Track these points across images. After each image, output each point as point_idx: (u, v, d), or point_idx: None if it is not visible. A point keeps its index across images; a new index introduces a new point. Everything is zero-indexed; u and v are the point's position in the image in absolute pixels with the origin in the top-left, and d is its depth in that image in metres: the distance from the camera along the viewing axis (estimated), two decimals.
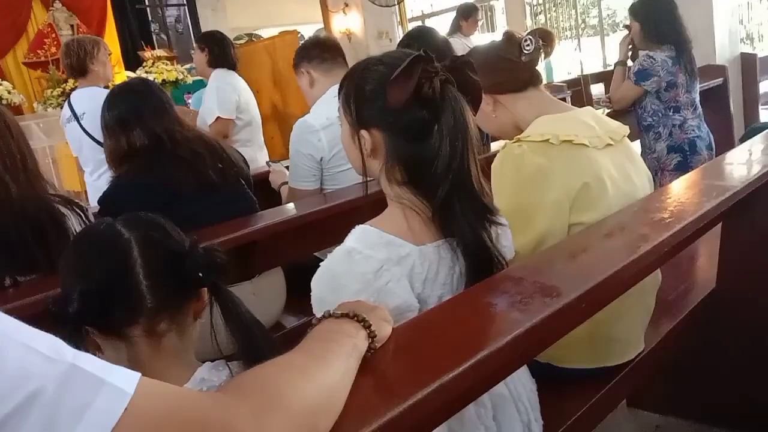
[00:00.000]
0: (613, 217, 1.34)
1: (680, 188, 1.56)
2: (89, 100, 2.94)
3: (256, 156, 3.39)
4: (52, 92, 6.61)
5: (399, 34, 7.86)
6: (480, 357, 0.80)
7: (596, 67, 6.97)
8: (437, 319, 0.96)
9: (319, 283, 1.03)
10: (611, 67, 3.57)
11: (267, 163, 3.01)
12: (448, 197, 1.02)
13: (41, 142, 5.38)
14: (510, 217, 1.17)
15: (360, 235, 1.03)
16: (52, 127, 5.47)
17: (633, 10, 3.19)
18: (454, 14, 5.47)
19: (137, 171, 1.87)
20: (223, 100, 3.30)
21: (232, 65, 3.43)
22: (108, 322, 0.94)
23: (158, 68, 6.74)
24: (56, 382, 0.49)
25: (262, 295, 2.04)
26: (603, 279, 1.03)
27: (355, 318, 0.82)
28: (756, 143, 1.97)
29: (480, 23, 5.68)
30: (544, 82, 1.60)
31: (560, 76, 6.26)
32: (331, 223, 1.75)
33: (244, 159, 2.16)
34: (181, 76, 6.72)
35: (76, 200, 1.72)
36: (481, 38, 6.46)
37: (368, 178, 1.10)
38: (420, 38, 2.49)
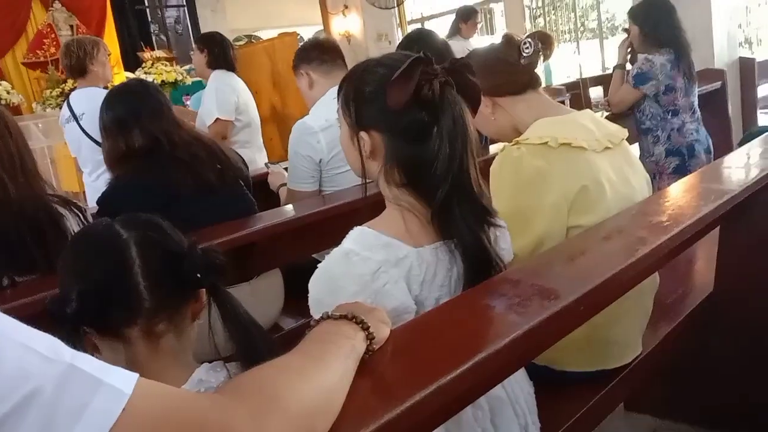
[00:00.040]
0: (612, 220, 1.34)
1: (678, 192, 1.56)
2: (88, 100, 2.94)
3: (255, 157, 3.39)
4: (51, 92, 6.62)
5: (398, 37, 7.87)
6: (478, 359, 0.80)
7: (595, 71, 6.98)
8: (435, 322, 0.96)
9: (316, 284, 1.03)
10: (610, 71, 3.57)
11: (266, 164, 3.01)
12: (448, 199, 1.02)
13: (40, 142, 5.38)
14: (508, 220, 1.17)
15: (357, 237, 1.03)
16: (50, 127, 5.47)
17: (632, 14, 3.20)
18: (453, 17, 5.48)
19: (135, 172, 1.86)
20: (222, 102, 3.30)
21: (231, 66, 3.43)
22: (106, 323, 0.94)
23: (157, 69, 6.74)
24: (54, 383, 0.49)
25: (261, 296, 2.04)
26: (601, 282, 1.03)
27: (354, 320, 0.82)
28: (754, 147, 1.97)
29: (479, 26, 5.69)
30: (543, 85, 1.61)
31: (559, 79, 6.27)
32: (330, 225, 1.75)
33: (243, 160, 2.16)
34: (180, 77, 6.72)
35: (75, 200, 1.72)
36: (480, 41, 6.47)
37: (367, 180, 1.10)
38: (419, 40, 2.49)
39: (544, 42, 1.49)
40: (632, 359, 1.51)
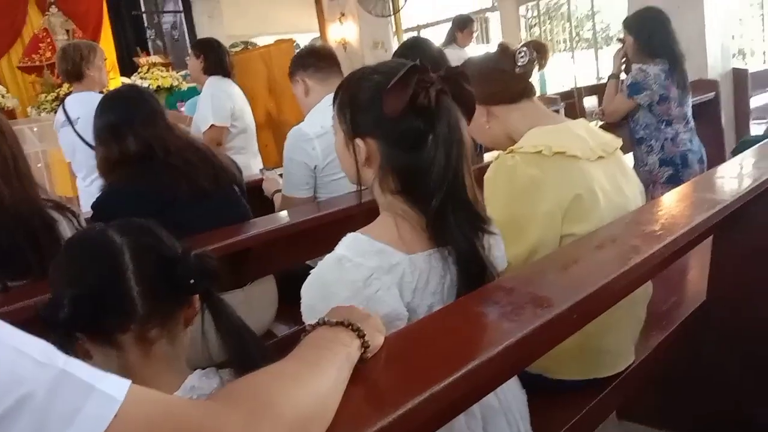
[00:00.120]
0: (605, 229, 1.34)
1: (672, 201, 1.57)
2: (84, 105, 2.93)
3: (250, 163, 3.39)
4: (46, 97, 6.60)
5: (394, 45, 7.88)
6: (471, 367, 0.80)
7: (590, 80, 7.03)
8: (428, 329, 0.95)
9: (309, 290, 1.03)
10: (604, 80, 3.59)
11: (260, 170, 3.01)
12: (443, 207, 1.02)
13: (34, 146, 5.37)
14: (502, 228, 1.17)
15: (350, 243, 1.03)
16: (45, 131, 5.46)
17: (627, 24, 3.22)
18: (449, 25, 5.50)
19: (129, 179, 1.86)
20: (217, 108, 3.30)
21: (227, 72, 3.43)
22: (99, 328, 0.93)
23: (153, 74, 6.74)
24: (47, 387, 0.49)
25: (254, 303, 2.03)
26: (594, 290, 1.03)
27: (350, 327, 0.81)
28: (747, 157, 1.98)
29: (475, 35, 5.71)
30: (538, 94, 1.61)
31: (554, 88, 6.31)
32: (324, 232, 1.75)
33: (237, 166, 2.16)
34: (176, 83, 6.72)
35: (68, 206, 1.72)
36: (476, 50, 6.50)
37: (362, 187, 1.10)
38: (415, 48, 2.50)
39: (539, 51, 1.50)
40: (625, 368, 1.51)
